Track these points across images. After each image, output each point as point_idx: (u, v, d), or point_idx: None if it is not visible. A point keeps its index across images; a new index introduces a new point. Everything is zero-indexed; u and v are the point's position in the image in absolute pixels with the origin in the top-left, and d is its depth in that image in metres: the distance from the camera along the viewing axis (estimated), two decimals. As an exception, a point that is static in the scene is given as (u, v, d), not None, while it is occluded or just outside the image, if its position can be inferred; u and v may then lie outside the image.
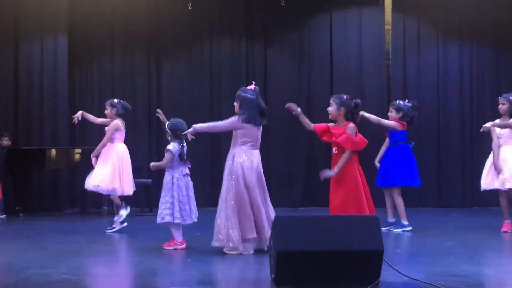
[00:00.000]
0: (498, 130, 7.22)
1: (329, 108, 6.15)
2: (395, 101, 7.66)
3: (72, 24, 10.30)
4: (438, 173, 10.58)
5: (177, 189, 6.03)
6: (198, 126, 6.04)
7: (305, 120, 6.26)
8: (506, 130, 7.19)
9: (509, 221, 7.21)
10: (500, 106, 7.25)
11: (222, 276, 5.16)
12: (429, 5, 10.66)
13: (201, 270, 5.15)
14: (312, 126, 6.26)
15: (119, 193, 7.46)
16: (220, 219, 5.79)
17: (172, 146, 6.04)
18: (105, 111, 7.67)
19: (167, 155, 6.03)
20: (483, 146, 10.18)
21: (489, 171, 7.28)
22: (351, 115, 6.12)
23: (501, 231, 7.15)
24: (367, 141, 6.11)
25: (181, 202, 6.03)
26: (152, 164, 6.18)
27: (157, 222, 6.07)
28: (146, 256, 5.80)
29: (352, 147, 5.93)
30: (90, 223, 8.07)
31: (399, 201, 7.35)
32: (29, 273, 4.94)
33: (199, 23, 10.65)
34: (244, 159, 5.81)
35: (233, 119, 5.91)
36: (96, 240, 6.94)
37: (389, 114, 7.52)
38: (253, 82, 6.05)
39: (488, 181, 7.29)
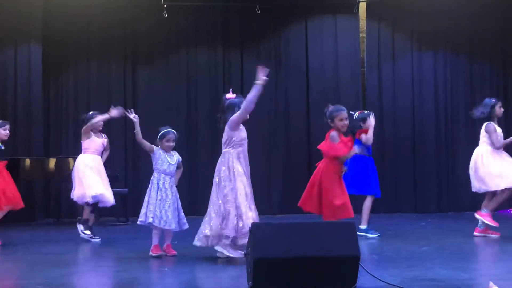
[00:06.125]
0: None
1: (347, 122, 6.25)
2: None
3: (46, 32, 10.23)
4: (414, 179, 10.67)
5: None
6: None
7: None
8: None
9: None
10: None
11: (199, 284, 5.15)
12: (404, 13, 10.78)
13: (179, 279, 5.12)
14: None
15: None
16: None
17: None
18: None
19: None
20: (458, 152, 10.36)
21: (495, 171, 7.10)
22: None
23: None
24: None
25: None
26: None
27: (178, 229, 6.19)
28: (122, 266, 5.74)
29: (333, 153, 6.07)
30: (65, 233, 7.98)
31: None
32: (4, 284, 4.87)
33: (175, 31, 10.64)
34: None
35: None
36: (71, 250, 6.87)
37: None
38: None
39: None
